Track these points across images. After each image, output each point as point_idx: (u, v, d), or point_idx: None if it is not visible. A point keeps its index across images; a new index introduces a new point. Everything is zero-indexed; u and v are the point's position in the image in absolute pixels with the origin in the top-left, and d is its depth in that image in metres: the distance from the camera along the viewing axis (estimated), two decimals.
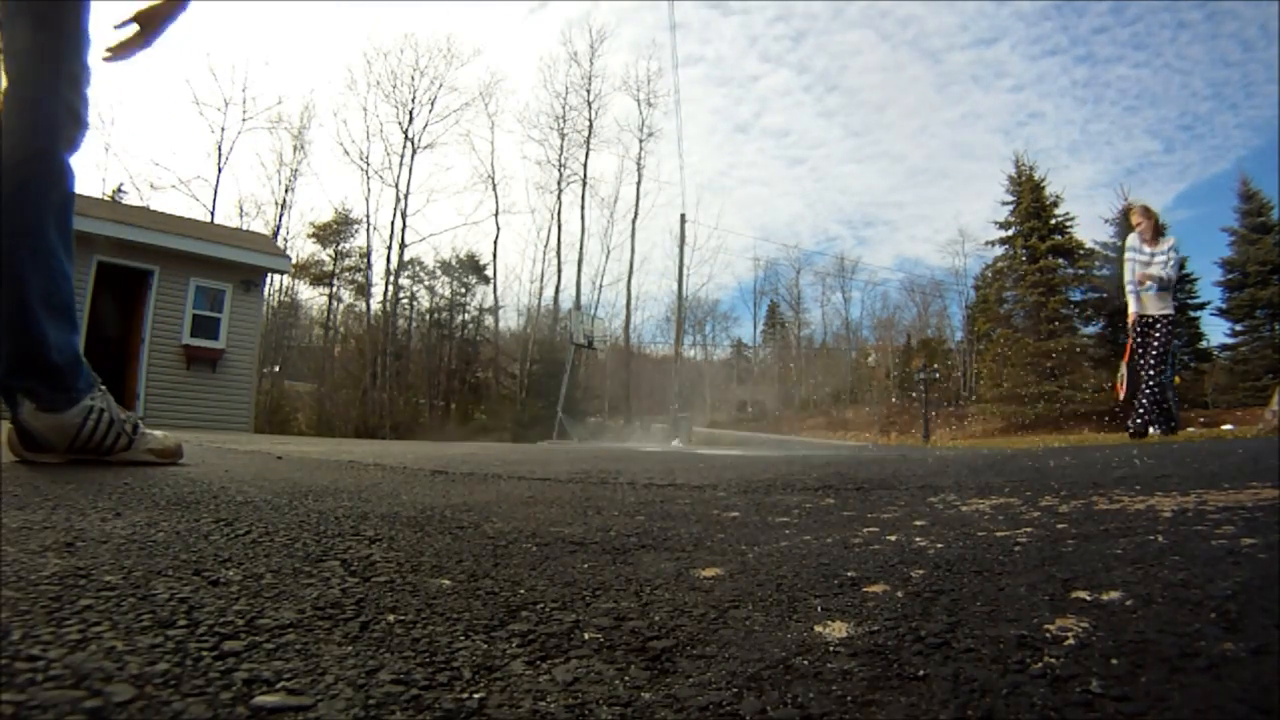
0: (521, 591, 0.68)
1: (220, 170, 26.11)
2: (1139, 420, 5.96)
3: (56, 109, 1.66)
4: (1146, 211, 6.36)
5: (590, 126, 28.83)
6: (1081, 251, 28.28)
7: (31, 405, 1.58)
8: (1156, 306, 6.12)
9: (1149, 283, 6.10)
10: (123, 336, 12.09)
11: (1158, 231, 6.27)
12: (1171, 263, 6.05)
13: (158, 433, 1.86)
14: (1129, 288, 6.26)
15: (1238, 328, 27.76)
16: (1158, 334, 6.05)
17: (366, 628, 0.55)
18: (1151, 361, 5.99)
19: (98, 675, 0.41)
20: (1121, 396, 6.69)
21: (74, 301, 1.70)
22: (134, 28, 1.83)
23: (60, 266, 1.64)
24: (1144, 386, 5.98)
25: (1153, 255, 6.15)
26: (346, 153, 30.63)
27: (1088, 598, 0.62)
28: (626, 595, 0.68)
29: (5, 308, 1.57)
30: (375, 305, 27.20)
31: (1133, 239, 6.37)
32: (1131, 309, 6.25)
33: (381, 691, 0.42)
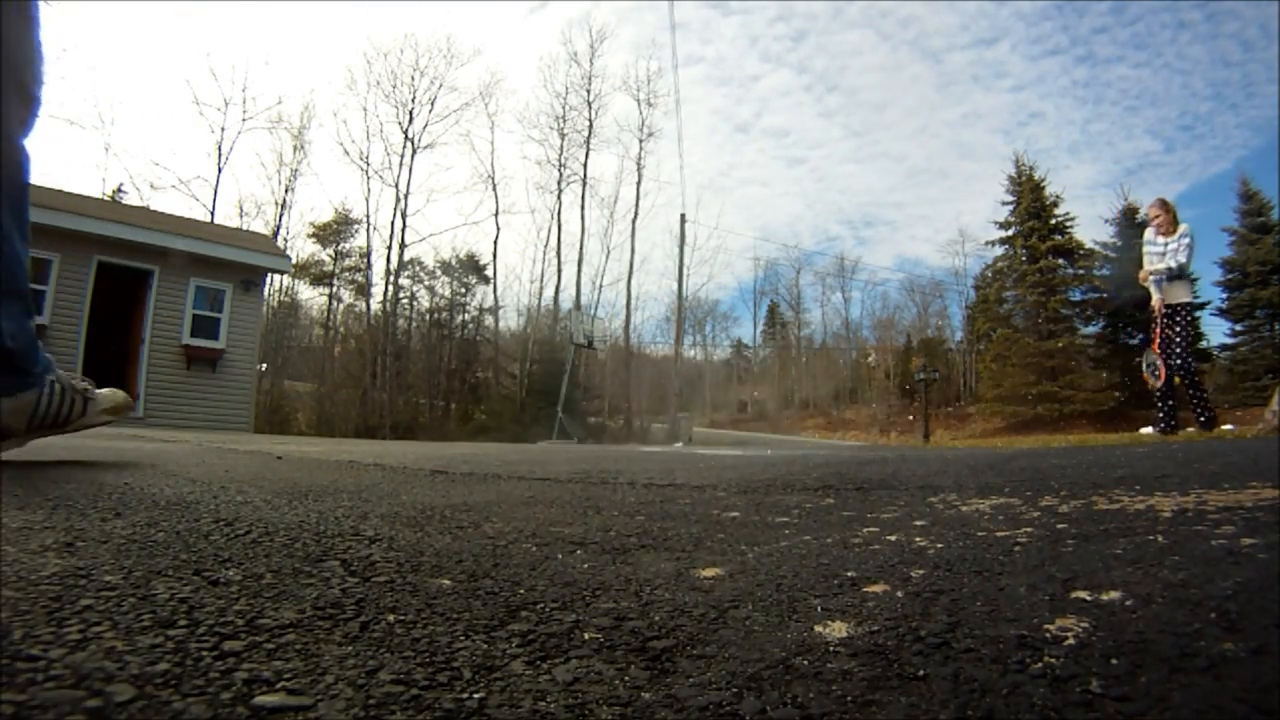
0: (521, 591, 0.68)
1: (220, 170, 26.07)
2: (1165, 417, 5.96)
3: (6, 88, 1.62)
4: (1164, 205, 6.37)
5: (590, 126, 28.75)
6: (1081, 251, 28.26)
7: None
8: (1173, 295, 6.12)
9: (1156, 275, 6.09)
10: (123, 336, 12.09)
11: (1174, 223, 6.27)
12: (1180, 250, 6.03)
13: (103, 390, 1.82)
14: (1149, 280, 6.31)
15: (1238, 328, 27.73)
16: (1179, 323, 6.07)
17: (366, 628, 0.55)
18: (1178, 352, 5.98)
19: (98, 675, 0.41)
20: (1156, 384, 6.53)
21: (28, 286, 1.66)
22: None
23: (13, 251, 1.59)
24: (1177, 378, 5.97)
25: (1165, 245, 6.16)
26: (346, 153, 30.60)
27: (1088, 598, 0.62)
28: (626, 595, 0.68)
29: None
30: (375, 305, 27.20)
31: (1149, 233, 6.40)
32: (1154, 297, 6.29)
33: (381, 691, 0.42)
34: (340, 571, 0.72)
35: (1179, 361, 5.96)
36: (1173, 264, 6.02)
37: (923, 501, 1.36)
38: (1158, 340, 6.46)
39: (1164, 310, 6.13)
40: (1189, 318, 6.05)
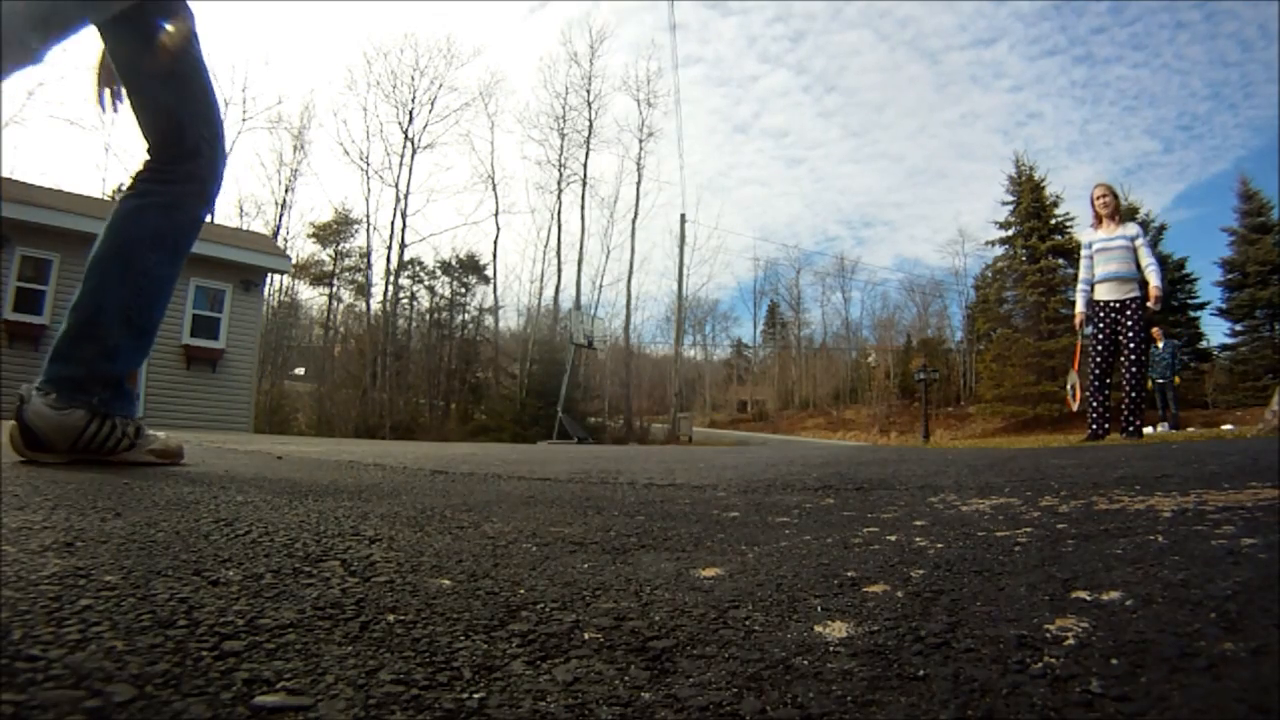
0: (521, 591, 0.68)
1: None
2: (1094, 422, 5.34)
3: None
4: (1100, 192, 5.51)
5: (590, 126, 28.79)
6: None
7: (39, 401, 1.60)
8: (1120, 291, 5.31)
9: (1102, 272, 5.34)
10: None
11: (1115, 213, 5.46)
12: (1141, 247, 5.24)
13: (160, 434, 1.87)
14: (1080, 286, 5.53)
15: (1238, 328, 27.74)
16: (1129, 319, 5.28)
17: (366, 628, 0.55)
18: (1131, 351, 5.24)
19: (98, 675, 0.41)
20: (1075, 407, 5.96)
21: (155, 326, 1.82)
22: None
23: (149, 287, 1.75)
24: (1124, 383, 5.33)
25: (1109, 241, 5.37)
26: (346, 153, 30.70)
27: (1088, 598, 0.62)
28: (626, 595, 0.68)
29: (84, 313, 1.68)
30: (375, 305, 27.23)
31: (1085, 231, 5.66)
32: (1079, 308, 5.53)
33: (381, 691, 0.42)
34: (340, 571, 0.72)
35: (1133, 368, 5.23)
36: (1136, 264, 5.20)
37: (923, 501, 1.36)
38: (1078, 357, 5.89)
39: (1106, 308, 5.32)
40: (1138, 314, 5.27)
